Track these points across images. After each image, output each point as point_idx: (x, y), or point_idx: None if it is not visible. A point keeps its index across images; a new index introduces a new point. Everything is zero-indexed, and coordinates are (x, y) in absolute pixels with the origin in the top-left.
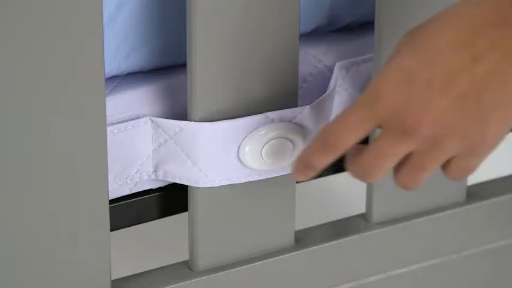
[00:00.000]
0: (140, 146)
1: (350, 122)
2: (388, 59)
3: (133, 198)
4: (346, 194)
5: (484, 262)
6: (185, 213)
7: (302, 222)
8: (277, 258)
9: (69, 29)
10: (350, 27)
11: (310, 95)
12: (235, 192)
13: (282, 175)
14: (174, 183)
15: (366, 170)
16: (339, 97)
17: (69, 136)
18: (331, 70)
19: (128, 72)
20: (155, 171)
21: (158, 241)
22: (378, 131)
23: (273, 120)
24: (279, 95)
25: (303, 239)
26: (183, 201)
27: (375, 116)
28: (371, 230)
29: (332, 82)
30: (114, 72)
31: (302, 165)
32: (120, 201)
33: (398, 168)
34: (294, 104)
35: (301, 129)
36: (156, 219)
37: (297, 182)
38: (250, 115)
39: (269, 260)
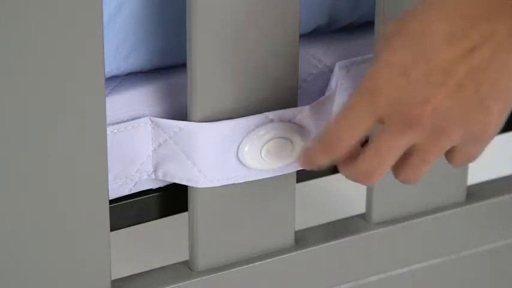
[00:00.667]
0: (140, 146)
1: (351, 120)
2: (378, 52)
3: (133, 198)
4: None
5: (484, 262)
6: (185, 213)
7: (302, 222)
8: (277, 258)
9: (69, 29)
10: (350, 27)
11: (310, 95)
12: (235, 192)
13: (282, 175)
14: (174, 183)
15: (366, 171)
16: (339, 97)
17: (69, 136)
18: (331, 70)
19: (128, 72)
20: (155, 171)
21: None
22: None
23: (272, 120)
24: (279, 95)
25: (303, 239)
26: (183, 201)
27: (375, 111)
28: (371, 230)
29: (332, 82)
30: (114, 72)
31: (306, 164)
32: (120, 201)
33: (398, 163)
34: (293, 104)
35: (301, 129)
36: (156, 219)
37: (297, 182)
38: (250, 115)
39: (269, 260)
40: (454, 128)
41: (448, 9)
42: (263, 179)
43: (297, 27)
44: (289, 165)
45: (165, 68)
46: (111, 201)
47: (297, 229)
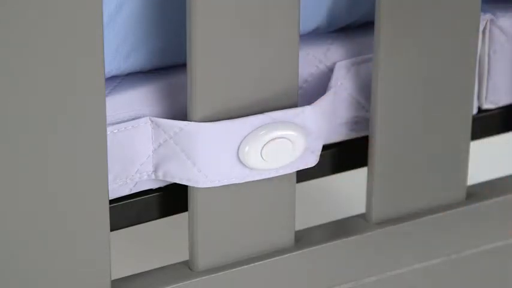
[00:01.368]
0: (140, 146)
1: None
2: None
3: (133, 198)
4: (346, 194)
5: (484, 262)
6: (185, 213)
7: (302, 222)
8: (277, 258)
9: (69, 29)
10: (350, 27)
11: (310, 95)
12: (236, 192)
13: (282, 175)
14: (174, 183)
15: None
16: (339, 97)
17: (69, 136)
18: (331, 70)
19: (128, 72)
20: (155, 171)
21: (158, 241)
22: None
23: (273, 120)
24: (279, 95)
25: (303, 239)
26: (183, 201)
27: None
28: (371, 230)
29: (332, 82)
30: (114, 72)
31: None
32: (120, 201)
33: None
34: (294, 104)
35: (301, 129)
36: (156, 219)
37: (297, 182)
38: (251, 115)
39: (269, 260)
40: None
41: None
42: (263, 179)
43: (297, 27)
44: (289, 165)
45: (165, 68)
46: (111, 201)
47: (297, 229)
